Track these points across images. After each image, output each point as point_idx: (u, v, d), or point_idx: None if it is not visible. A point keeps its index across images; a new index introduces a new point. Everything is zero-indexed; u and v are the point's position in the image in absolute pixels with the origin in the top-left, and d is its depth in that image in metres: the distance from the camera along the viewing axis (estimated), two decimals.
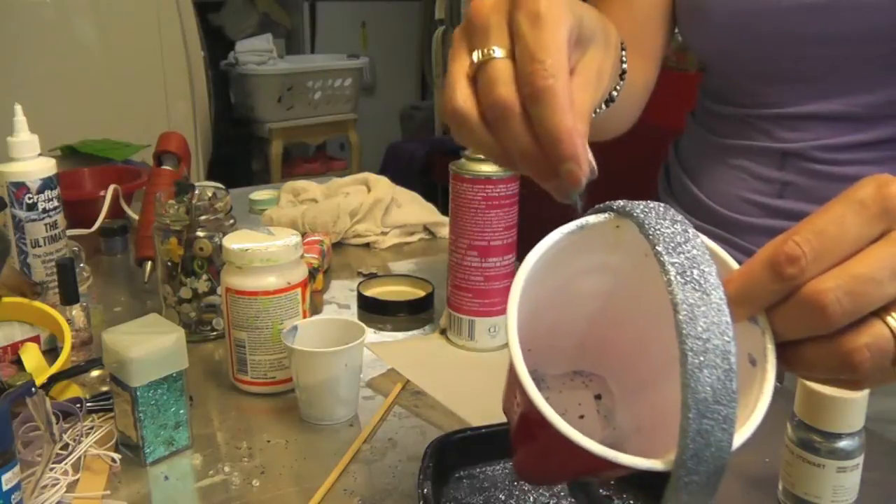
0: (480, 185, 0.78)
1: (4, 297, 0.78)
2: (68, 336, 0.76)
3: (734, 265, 0.38)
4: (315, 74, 3.42)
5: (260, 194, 1.32)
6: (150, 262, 0.97)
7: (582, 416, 0.49)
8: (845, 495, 0.56)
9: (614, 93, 0.57)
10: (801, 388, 0.56)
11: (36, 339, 0.81)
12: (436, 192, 2.91)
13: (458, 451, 0.61)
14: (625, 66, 0.59)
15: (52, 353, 0.79)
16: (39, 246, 0.85)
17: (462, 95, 0.42)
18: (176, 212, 0.84)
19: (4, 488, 0.51)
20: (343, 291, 1.01)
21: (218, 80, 3.14)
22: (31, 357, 0.76)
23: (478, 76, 0.42)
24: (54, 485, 0.61)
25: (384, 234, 1.18)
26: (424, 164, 3.46)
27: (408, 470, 0.64)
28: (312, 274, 0.96)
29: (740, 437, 0.34)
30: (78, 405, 0.67)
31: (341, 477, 0.63)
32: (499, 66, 0.41)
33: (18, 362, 0.76)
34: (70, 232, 0.97)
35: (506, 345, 0.85)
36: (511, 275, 0.83)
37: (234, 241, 0.74)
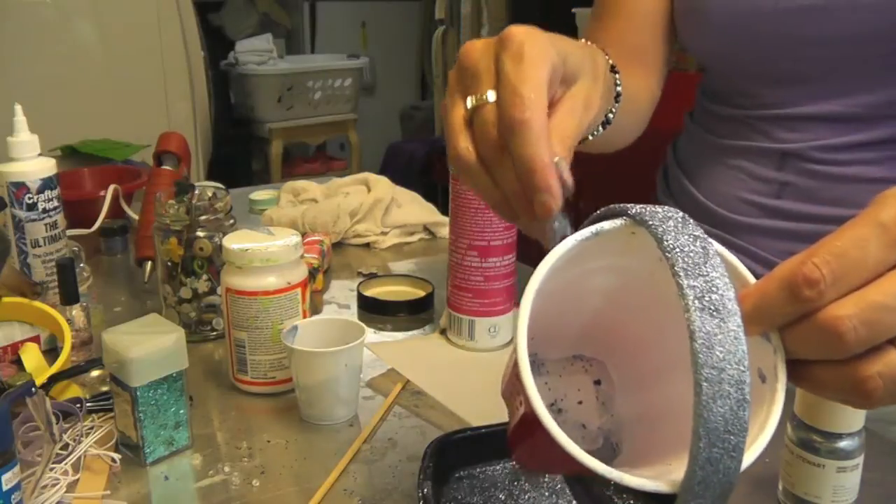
0: None
1: (4, 297, 0.79)
2: (68, 336, 0.76)
3: (750, 278, 0.38)
4: (315, 74, 3.42)
5: (260, 194, 1.32)
6: (150, 262, 0.97)
7: (580, 402, 0.49)
8: (845, 495, 0.56)
9: (609, 115, 0.59)
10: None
11: (36, 339, 0.81)
12: (436, 192, 2.92)
13: (458, 451, 0.61)
14: (619, 88, 0.60)
15: (52, 353, 0.79)
16: (39, 246, 0.85)
17: (462, 143, 0.44)
18: (176, 212, 0.84)
19: (4, 488, 0.51)
20: (343, 291, 1.01)
21: (218, 80, 3.14)
22: (31, 357, 0.76)
23: (473, 121, 0.44)
24: (54, 485, 0.61)
25: (384, 234, 1.18)
26: (424, 164, 3.46)
27: (408, 470, 0.64)
28: (312, 274, 0.96)
29: (748, 458, 0.35)
30: (78, 405, 0.67)
31: (341, 477, 0.63)
32: (490, 110, 0.43)
33: (18, 362, 0.76)
34: (70, 232, 0.97)
35: (505, 345, 0.85)
36: (511, 275, 0.83)
37: (234, 241, 0.74)
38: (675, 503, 0.35)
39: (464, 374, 0.80)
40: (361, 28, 3.99)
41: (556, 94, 0.45)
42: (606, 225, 0.39)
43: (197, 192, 0.85)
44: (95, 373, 0.76)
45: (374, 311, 0.94)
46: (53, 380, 0.71)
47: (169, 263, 0.84)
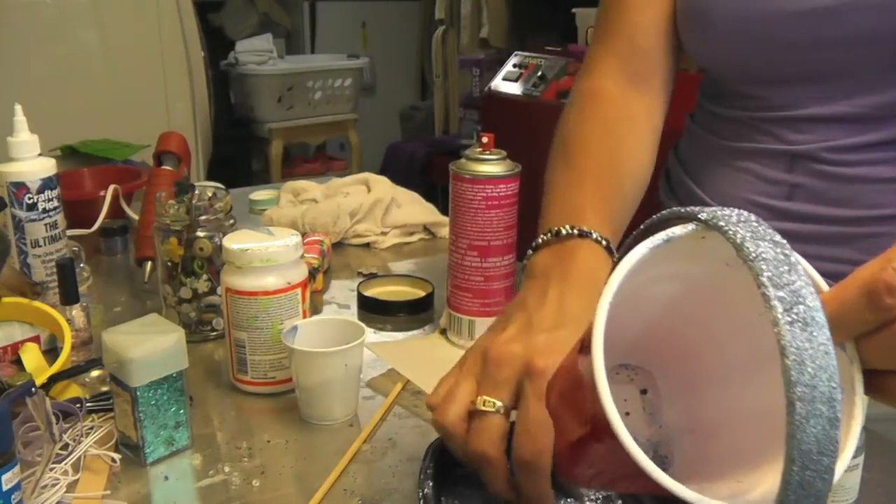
0: (480, 185, 0.78)
1: (4, 297, 0.79)
2: (68, 336, 0.76)
3: (823, 284, 0.37)
4: (315, 74, 3.42)
5: (260, 194, 1.32)
6: (150, 262, 0.97)
7: (627, 413, 0.48)
8: (845, 495, 0.56)
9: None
10: None
11: (36, 339, 0.81)
12: (436, 192, 2.92)
13: None
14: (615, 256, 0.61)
15: (52, 353, 0.79)
16: (39, 246, 0.85)
17: (453, 416, 0.52)
18: (176, 212, 0.84)
19: (4, 488, 0.51)
20: (343, 291, 1.01)
21: (218, 80, 3.14)
22: (31, 357, 0.76)
23: (473, 417, 0.52)
24: (54, 485, 0.61)
25: (384, 234, 1.18)
26: (424, 164, 3.46)
27: (408, 470, 0.64)
28: (312, 274, 0.96)
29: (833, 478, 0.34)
30: (78, 405, 0.67)
31: (341, 477, 0.63)
32: (493, 423, 0.51)
33: (18, 362, 0.76)
34: (70, 232, 0.97)
35: None
36: (511, 275, 0.83)
37: (234, 241, 0.74)
38: None
39: None
40: (361, 28, 3.99)
41: None
42: (678, 230, 0.38)
43: (197, 192, 0.85)
44: (95, 373, 0.76)
45: (374, 311, 0.94)
46: (53, 380, 0.71)
47: (169, 263, 0.84)
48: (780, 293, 0.32)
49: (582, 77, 0.83)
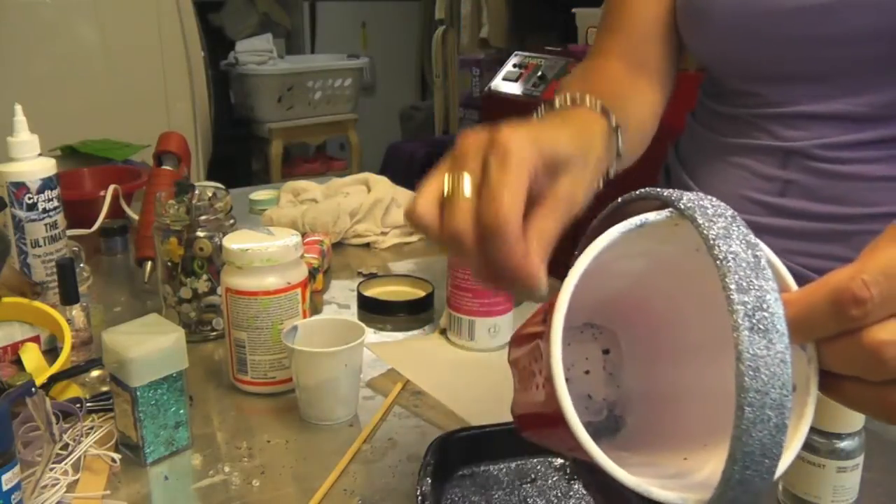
0: None
1: (4, 297, 0.79)
2: (68, 336, 0.76)
3: (792, 284, 0.37)
4: (315, 74, 3.42)
5: (260, 194, 1.32)
6: (150, 262, 0.97)
7: (587, 372, 0.48)
8: (845, 495, 0.56)
9: (610, 170, 0.59)
10: None
11: (36, 339, 0.81)
12: None
13: (460, 450, 0.62)
14: (620, 145, 0.60)
15: (52, 353, 0.79)
16: (39, 246, 0.85)
17: (423, 203, 0.48)
18: (176, 212, 0.84)
19: (4, 488, 0.51)
20: (343, 291, 1.01)
21: (218, 80, 3.14)
22: (31, 357, 0.76)
23: (445, 202, 0.47)
24: (54, 485, 0.61)
25: (384, 234, 1.18)
26: (424, 164, 3.45)
27: (408, 470, 0.64)
28: (312, 274, 0.96)
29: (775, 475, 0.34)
30: (78, 405, 0.67)
31: (341, 477, 0.63)
32: (461, 200, 0.47)
33: (18, 362, 0.76)
34: (70, 232, 0.97)
35: (505, 345, 0.85)
36: None
37: (234, 241, 0.74)
38: None
39: (464, 374, 0.80)
40: (361, 28, 3.99)
41: (542, 187, 0.47)
42: (652, 216, 0.38)
43: (197, 192, 0.85)
44: (95, 373, 0.76)
45: (374, 311, 0.94)
46: (53, 380, 0.71)
47: (169, 263, 0.84)
48: (745, 297, 0.33)
49: (586, 59, 0.83)
